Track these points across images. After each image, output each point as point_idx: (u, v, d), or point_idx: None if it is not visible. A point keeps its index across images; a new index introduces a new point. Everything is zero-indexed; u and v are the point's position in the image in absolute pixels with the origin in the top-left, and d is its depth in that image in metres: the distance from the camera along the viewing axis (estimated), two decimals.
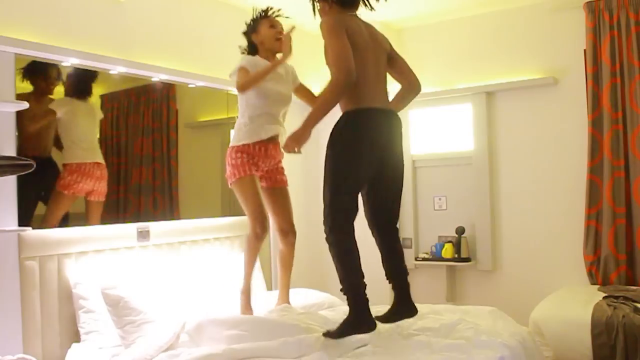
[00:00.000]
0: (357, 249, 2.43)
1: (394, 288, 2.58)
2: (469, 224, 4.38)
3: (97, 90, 3.24)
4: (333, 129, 2.47)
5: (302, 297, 3.29)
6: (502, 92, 4.33)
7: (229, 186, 2.95)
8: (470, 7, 4.33)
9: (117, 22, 3.21)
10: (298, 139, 2.44)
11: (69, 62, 2.93)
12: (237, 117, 2.99)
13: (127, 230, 3.14)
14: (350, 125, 2.45)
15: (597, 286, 3.74)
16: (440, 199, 4.58)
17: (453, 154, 4.54)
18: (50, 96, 3.01)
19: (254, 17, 3.05)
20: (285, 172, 3.13)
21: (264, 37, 3.00)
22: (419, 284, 4.58)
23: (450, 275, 4.46)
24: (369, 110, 2.47)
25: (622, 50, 3.81)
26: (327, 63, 2.46)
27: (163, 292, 2.89)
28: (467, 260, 4.32)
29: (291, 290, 3.26)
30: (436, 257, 4.43)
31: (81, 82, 3.12)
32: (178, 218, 3.57)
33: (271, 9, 3.07)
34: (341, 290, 2.40)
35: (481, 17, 4.42)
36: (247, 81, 2.80)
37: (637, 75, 3.75)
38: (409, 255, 4.55)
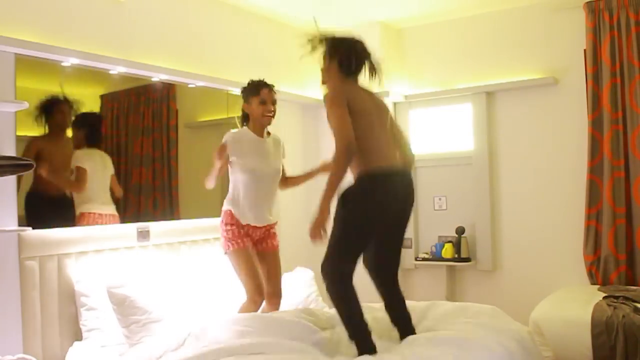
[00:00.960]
0: (356, 293, 2.47)
1: (400, 332, 2.61)
2: (469, 224, 4.37)
3: (97, 90, 3.24)
4: (347, 190, 2.48)
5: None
6: (502, 92, 4.33)
7: (224, 254, 3.03)
8: (470, 7, 4.32)
9: (117, 22, 3.21)
10: (321, 224, 2.41)
11: (69, 62, 2.93)
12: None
13: (127, 230, 3.14)
14: (365, 188, 2.47)
15: (597, 286, 3.74)
16: (440, 199, 4.58)
17: (453, 154, 4.54)
18: (67, 132, 3.07)
19: (247, 86, 3.09)
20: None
21: (253, 111, 3.07)
22: (419, 284, 4.59)
23: (450, 275, 4.46)
24: (383, 171, 2.50)
25: (622, 50, 3.80)
26: (331, 128, 2.51)
27: (165, 292, 2.89)
28: (467, 260, 4.32)
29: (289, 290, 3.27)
30: (436, 257, 4.42)
31: (90, 126, 3.15)
32: (178, 218, 3.57)
33: (264, 83, 3.08)
34: (349, 336, 2.44)
35: (481, 17, 4.42)
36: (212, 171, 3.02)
37: (637, 75, 3.75)
38: (409, 256, 4.56)
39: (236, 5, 3.95)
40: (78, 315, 2.78)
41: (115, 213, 3.20)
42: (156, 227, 3.28)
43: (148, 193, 3.50)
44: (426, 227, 4.63)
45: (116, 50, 3.15)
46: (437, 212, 4.58)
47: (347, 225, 2.46)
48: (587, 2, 3.89)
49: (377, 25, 4.48)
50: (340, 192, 2.46)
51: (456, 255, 4.33)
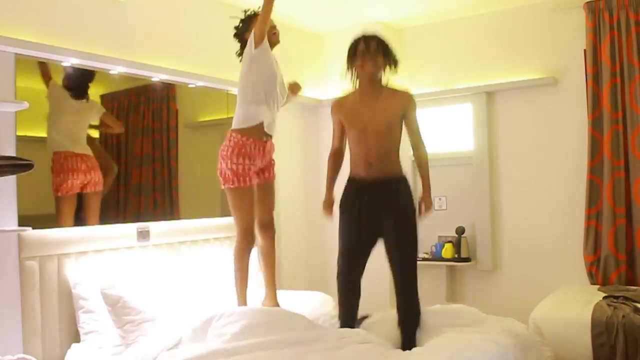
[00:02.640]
0: None
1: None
2: (469, 224, 4.38)
3: (97, 90, 3.24)
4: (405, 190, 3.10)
5: (298, 299, 3.30)
6: (502, 92, 4.33)
7: (222, 186, 2.95)
8: (470, 7, 4.33)
9: (117, 22, 3.21)
10: (430, 205, 3.14)
11: (69, 62, 2.93)
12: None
13: (127, 230, 3.14)
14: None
15: (597, 286, 3.74)
16: (440, 199, 4.58)
17: (453, 154, 4.54)
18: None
19: (245, 17, 3.14)
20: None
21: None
22: (419, 284, 4.57)
23: (450, 275, 4.46)
24: None
25: (622, 50, 3.80)
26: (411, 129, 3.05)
27: (163, 291, 2.89)
28: (467, 260, 4.32)
29: (288, 292, 3.26)
30: (436, 257, 4.43)
31: (78, 81, 3.09)
32: (178, 218, 3.57)
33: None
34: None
35: (481, 17, 4.42)
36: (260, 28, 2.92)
37: (637, 75, 3.75)
38: None
39: (236, 6, 3.95)
40: (76, 318, 2.78)
41: (90, 153, 3.11)
42: (156, 227, 3.28)
43: (148, 193, 3.50)
44: (426, 227, 4.60)
45: (116, 50, 3.15)
46: (437, 212, 4.58)
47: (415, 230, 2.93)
48: (587, 2, 3.89)
49: (377, 25, 4.48)
50: (397, 191, 3.01)
51: (456, 255, 4.33)
